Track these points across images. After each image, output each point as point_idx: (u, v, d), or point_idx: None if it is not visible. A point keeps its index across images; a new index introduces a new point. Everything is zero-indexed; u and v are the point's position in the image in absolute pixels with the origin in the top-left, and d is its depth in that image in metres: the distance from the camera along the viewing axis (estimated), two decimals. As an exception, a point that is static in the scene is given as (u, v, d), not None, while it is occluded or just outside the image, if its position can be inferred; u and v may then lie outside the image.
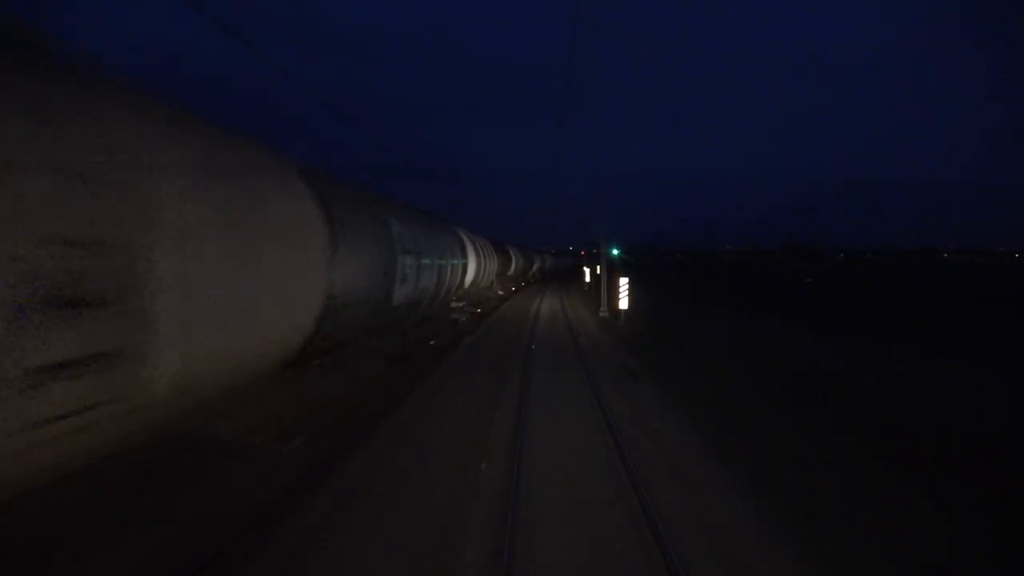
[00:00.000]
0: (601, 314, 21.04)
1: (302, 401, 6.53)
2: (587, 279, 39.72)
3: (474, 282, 16.29)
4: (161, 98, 3.16)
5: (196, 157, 3.17)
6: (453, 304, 15.38)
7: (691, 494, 5.25)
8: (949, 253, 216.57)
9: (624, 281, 17.05)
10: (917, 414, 7.76)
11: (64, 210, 2.18)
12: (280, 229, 3.94)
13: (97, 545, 3.81)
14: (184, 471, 4.77)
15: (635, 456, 6.13)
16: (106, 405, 2.44)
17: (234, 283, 3.32)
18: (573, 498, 5.16)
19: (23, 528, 3.20)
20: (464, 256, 13.75)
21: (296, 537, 4.37)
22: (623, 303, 17.09)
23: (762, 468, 5.79)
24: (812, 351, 13.15)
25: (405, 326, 10.58)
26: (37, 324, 2.05)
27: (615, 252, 58.62)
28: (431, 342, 13.23)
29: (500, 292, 27.01)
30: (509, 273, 29.13)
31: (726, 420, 7.45)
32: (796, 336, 15.62)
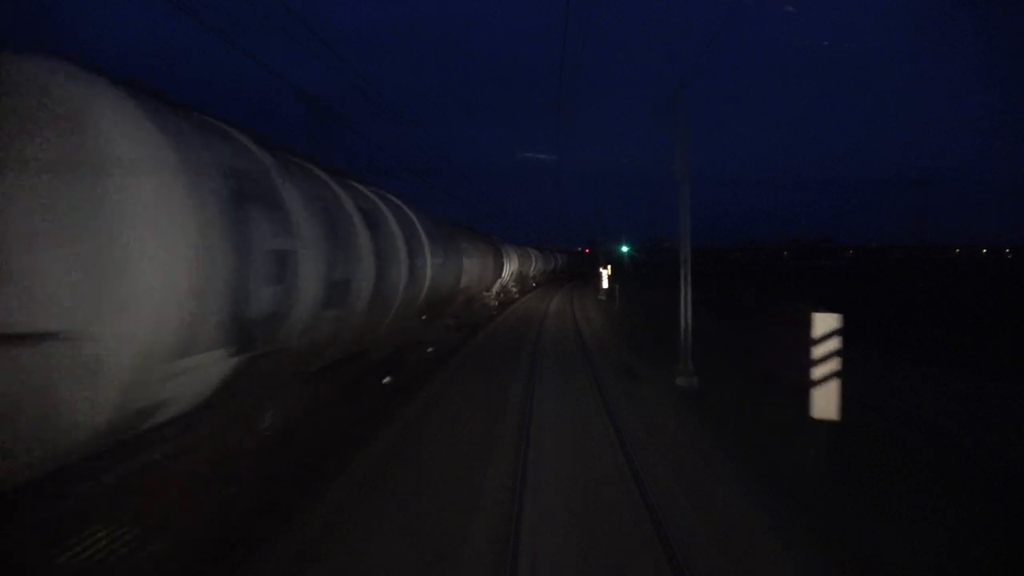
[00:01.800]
0: (680, 383, 9.22)
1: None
2: (604, 284, 28.17)
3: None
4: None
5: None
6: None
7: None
8: (961, 249, 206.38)
9: (827, 325, 4.99)
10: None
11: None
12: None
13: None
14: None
15: None
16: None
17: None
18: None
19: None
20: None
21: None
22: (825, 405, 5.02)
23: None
24: None
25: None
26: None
27: (624, 249, 45.32)
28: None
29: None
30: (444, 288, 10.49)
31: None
32: None
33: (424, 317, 9.55)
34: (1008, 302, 24.15)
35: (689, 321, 9.60)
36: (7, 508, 2.57)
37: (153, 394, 2.93)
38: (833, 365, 5.03)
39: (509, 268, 21.61)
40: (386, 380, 8.13)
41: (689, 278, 9.76)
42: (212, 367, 3.37)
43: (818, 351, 5.06)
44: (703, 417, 7.63)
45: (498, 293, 20.18)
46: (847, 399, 5.19)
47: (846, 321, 5.13)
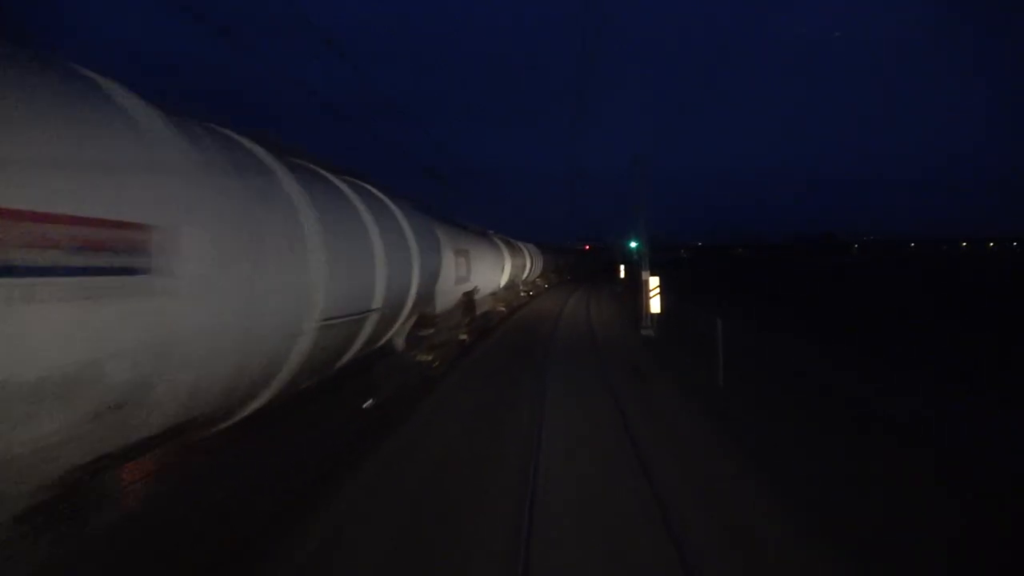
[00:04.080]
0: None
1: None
2: (654, 306, 15.24)
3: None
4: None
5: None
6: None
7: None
8: (968, 243, 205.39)
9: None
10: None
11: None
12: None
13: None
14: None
15: None
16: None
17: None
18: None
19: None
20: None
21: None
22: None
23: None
24: None
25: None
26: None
27: (633, 246, 41.41)
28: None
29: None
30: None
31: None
32: None
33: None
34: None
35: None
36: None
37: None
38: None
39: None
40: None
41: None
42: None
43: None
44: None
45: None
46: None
47: None
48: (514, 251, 20.49)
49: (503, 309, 19.34)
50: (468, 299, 11.90)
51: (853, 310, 22.30)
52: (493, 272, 14.98)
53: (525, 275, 24.57)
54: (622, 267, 37.88)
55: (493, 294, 16.34)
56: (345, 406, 5.73)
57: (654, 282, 15.64)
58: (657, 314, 15.45)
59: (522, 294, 25.58)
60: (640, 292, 16.42)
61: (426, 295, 7.46)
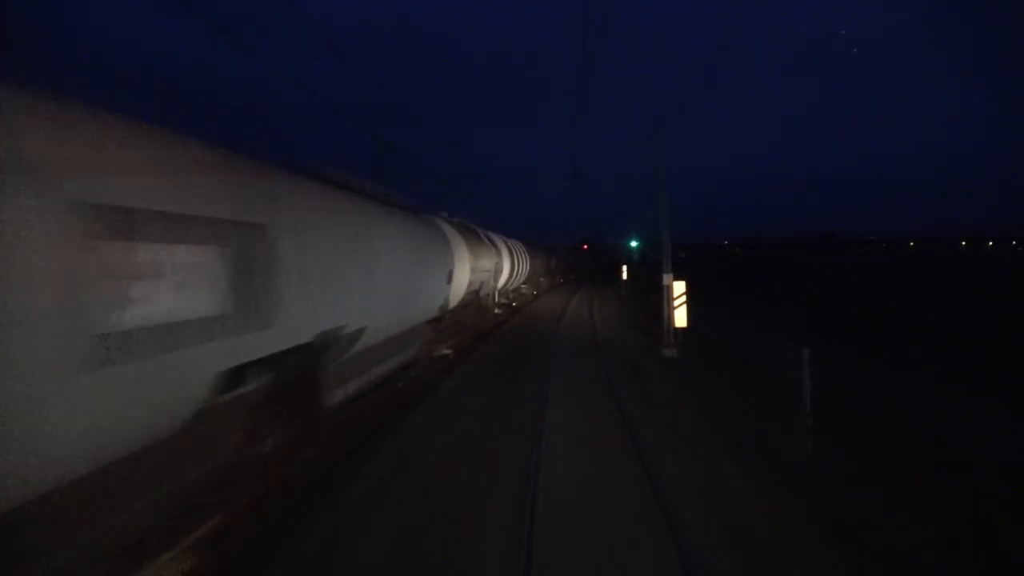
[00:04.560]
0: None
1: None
2: (680, 306, 12.85)
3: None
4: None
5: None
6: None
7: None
8: (968, 243, 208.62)
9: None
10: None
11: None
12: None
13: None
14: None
15: None
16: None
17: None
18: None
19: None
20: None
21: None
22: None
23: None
24: None
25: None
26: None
27: (633, 244, 41.37)
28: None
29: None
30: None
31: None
32: None
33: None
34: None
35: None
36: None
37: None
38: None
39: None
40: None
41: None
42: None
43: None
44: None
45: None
46: None
47: None
48: (478, 247, 13.01)
49: (448, 352, 11.36)
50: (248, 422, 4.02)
51: (853, 310, 22.39)
52: (424, 285, 8.35)
53: (503, 282, 16.87)
54: (624, 267, 37.88)
55: (439, 319, 10.14)
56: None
57: (679, 287, 12.87)
58: (683, 328, 12.99)
59: (497, 311, 17.03)
60: (648, 294, 13.99)
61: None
